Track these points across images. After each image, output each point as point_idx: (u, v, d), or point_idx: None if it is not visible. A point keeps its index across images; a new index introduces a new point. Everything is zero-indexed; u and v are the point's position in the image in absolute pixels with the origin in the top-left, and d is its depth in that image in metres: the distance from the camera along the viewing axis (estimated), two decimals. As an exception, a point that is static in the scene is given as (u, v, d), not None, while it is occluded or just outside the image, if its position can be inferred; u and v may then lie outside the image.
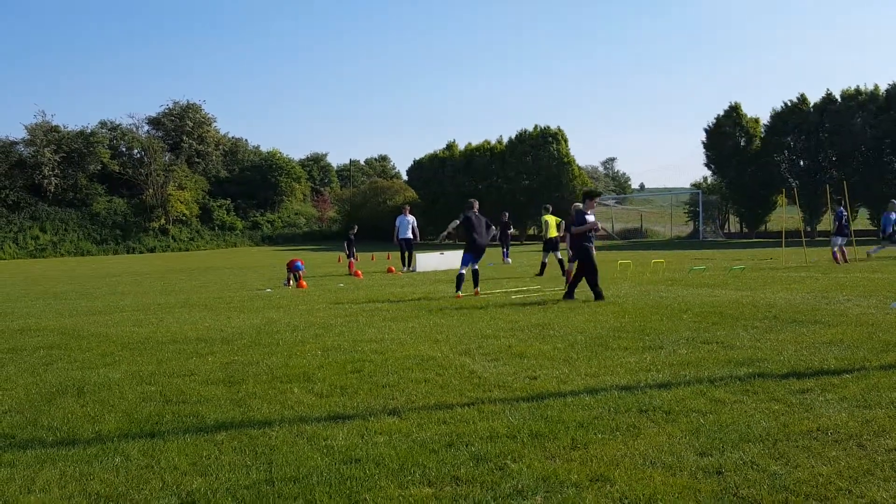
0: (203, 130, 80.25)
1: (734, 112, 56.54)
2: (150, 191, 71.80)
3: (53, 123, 70.86)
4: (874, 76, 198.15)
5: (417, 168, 70.66)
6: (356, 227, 25.66)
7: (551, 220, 19.04)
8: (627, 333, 8.19)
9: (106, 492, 3.86)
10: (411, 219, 23.36)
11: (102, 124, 76.50)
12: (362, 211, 69.46)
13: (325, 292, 15.75)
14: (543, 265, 18.84)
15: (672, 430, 4.50)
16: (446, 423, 4.84)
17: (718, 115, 57.32)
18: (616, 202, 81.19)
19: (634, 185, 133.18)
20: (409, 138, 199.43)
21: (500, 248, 27.15)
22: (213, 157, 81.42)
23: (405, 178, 78.45)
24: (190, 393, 6.05)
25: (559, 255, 18.50)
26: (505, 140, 65.80)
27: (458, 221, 14.28)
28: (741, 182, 55.28)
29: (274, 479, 3.94)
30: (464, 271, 13.71)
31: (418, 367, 6.76)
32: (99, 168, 71.18)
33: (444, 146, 69.42)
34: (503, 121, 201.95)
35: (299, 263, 18.92)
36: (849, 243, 21.11)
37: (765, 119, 55.70)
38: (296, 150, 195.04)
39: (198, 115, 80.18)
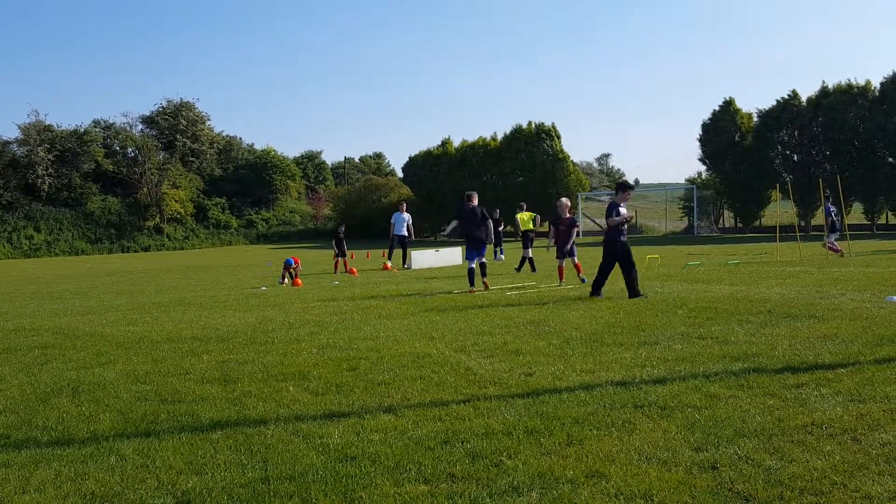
0: (197, 129, 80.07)
1: (728, 107, 56.62)
2: (145, 189, 71.66)
3: (47, 123, 70.68)
4: (866, 71, 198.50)
5: (412, 165, 70.59)
6: (344, 225, 25.69)
7: (524, 216, 19.94)
8: (622, 329, 8.19)
9: (101, 491, 3.86)
10: (407, 216, 23.37)
11: (96, 123, 76.32)
12: (357, 208, 69.46)
13: (320, 290, 15.73)
14: (524, 260, 19.00)
15: (667, 425, 4.51)
16: (442, 421, 4.84)
17: (714, 110, 57.39)
18: (610, 198, 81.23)
19: (629, 180, 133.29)
20: (404, 135, 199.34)
21: (493, 246, 27.19)
22: (208, 156, 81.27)
23: (400, 175, 78.40)
24: (185, 392, 6.04)
25: (529, 252, 18.97)
26: (500, 137, 65.77)
27: (455, 222, 14.43)
28: (735, 177, 55.38)
29: (269, 477, 3.94)
30: (472, 265, 13.83)
31: (414, 364, 6.76)
32: (93, 167, 71.00)
33: (439, 143, 69.36)
34: (498, 117, 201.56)
35: (291, 259, 18.94)
36: (841, 237, 21.17)
37: (758, 114, 55.79)
38: (290, 148, 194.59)
39: (191, 114, 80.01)
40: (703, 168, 63.03)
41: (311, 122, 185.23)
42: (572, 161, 65.14)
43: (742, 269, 16.62)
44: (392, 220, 23.37)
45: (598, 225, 68.02)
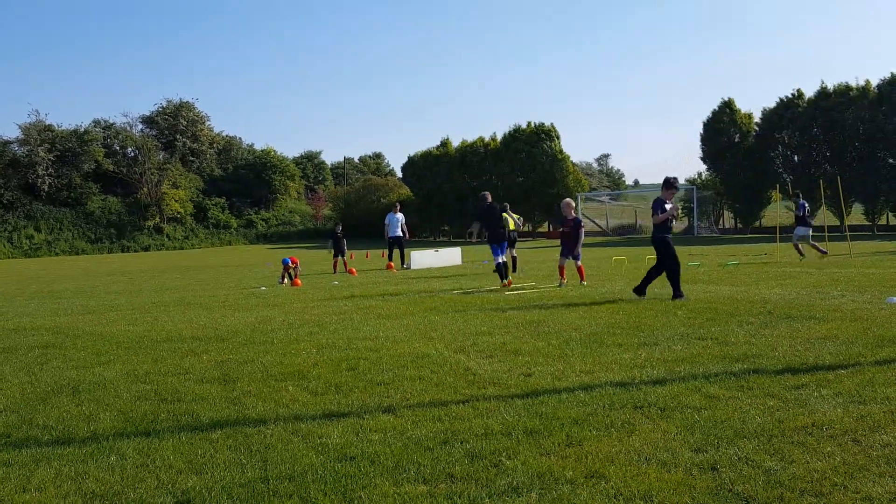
0: (197, 129, 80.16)
1: (728, 108, 56.65)
2: (145, 189, 71.71)
3: (47, 122, 70.80)
4: (866, 71, 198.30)
5: (412, 165, 70.64)
6: (341, 225, 25.66)
7: (507, 218, 19.96)
8: (622, 330, 8.19)
9: (101, 491, 3.85)
10: (400, 216, 23.34)
11: (96, 123, 76.42)
12: (356, 209, 69.46)
13: (319, 290, 15.73)
14: (513, 260, 19.01)
15: (667, 426, 4.50)
16: (441, 421, 4.84)
17: (714, 110, 57.43)
18: (610, 198, 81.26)
19: (629, 181, 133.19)
20: (403, 136, 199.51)
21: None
22: (208, 156, 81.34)
23: (399, 175, 78.44)
24: (185, 391, 6.04)
25: (514, 252, 18.94)
26: (499, 137, 65.79)
27: (477, 223, 15.27)
28: (735, 178, 55.42)
29: (269, 477, 3.94)
30: (500, 260, 14.55)
31: (413, 364, 6.75)
32: (93, 167, 71.06)
33: (439, 143, 69.43)
34: (497, 118, 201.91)
35: (287, 259, 18.95)
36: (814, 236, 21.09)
37: (759, 115, 55.83)
38: (290, 148, 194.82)
39: (191, 114, 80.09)
40: (703, 168, 63.13)
41: (310, 123, 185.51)
42: (572, 161, 65.15)
43: (742, 269, 16.62)
44: (386, 222, 23.34)
45: (597, 225, 68.07)
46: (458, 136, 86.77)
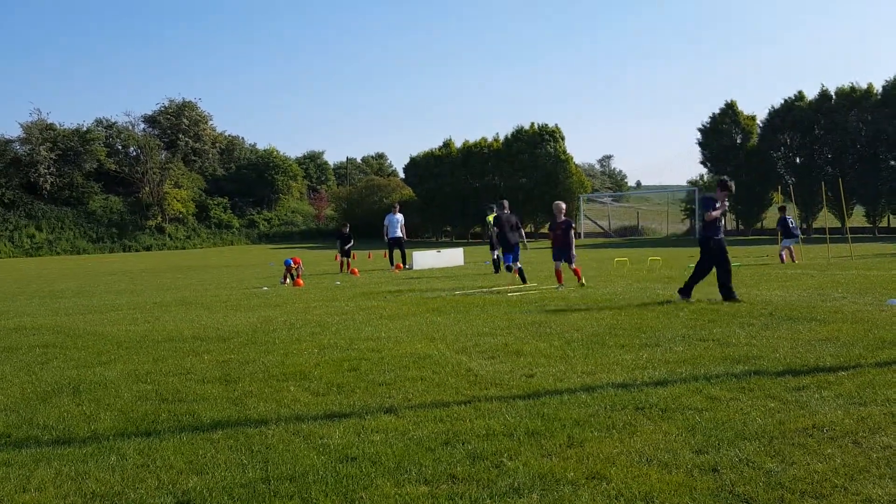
0: (199, 128, 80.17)
1: (730, 110, 56.61)
2: (147, 189, 71.70)
3: (49, 121, 70.76)
4: (869, 74, 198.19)
5: (414, 166, 70.60)
6: (349, 225, 25.60)
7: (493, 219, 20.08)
8: (624, 331, 8.19)
9: (102, 491, 3.85)
10: (400, 217, 23.30)
11: (98, 122, 76.42)
12: (359, 209, 69.47)
13: (321, 290, 15.74)
14: (495, 262, 19.07)
15: (668, 427, 4.50)
16: (443, 422, 4.84)
17: (714, 113, 57.39)
18: (612, 200, 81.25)
19: (631, 182, 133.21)
20: (405, 136, 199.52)
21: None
22: (210, 155, 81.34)
23: (402, 175, 78.42)
24: (186, 391, 6.04)
25: (496, 253, 19.20)
26: (502, 138, 65.76)
27: (497, 229, 15.82)
28: (737, 180, 55.32)
29: (270, 477, 3.94)
30: (516, 265, 15.25)
31: (415, 365, 6.75)
32: (95, 166, 71.06)
33: (441, 144, 69.37)
34: (500, 119, 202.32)
35: (289, 260, 18.95)
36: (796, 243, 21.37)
37: (761, 116, 55.81)
38: (292, 148, 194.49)
39: (194, 113, 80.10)
40: (704, 170, 63.08)
41: (313, 123, 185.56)
42: (574, 163, 65.13)
43: (743, 271, 16.61)
44: (385, 223, 23.31)
45: (598, 226, 68.05)
46: (461, 137, 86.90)
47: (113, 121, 77.26)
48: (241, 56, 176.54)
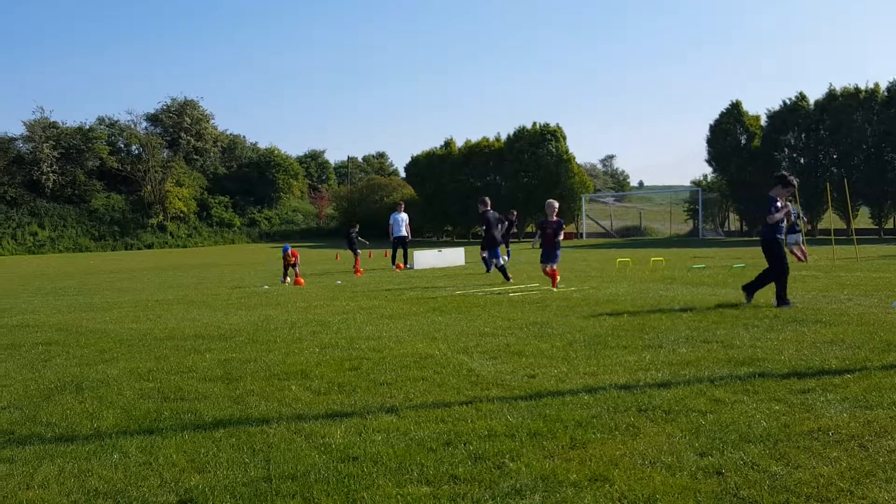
0: (201, 127, 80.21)
1: (735, 109, 56.52)
2: (149, 187, 71.77)
3: (52, 120, 70.83)
4: (874, 74, 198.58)
5: (415, 165, 70.53)
6: (357, 224, 25.23)
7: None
8: (626, 332, 8.17)
9: (104, 488, 3.85)
10: (404, 216, 23.25)
11: (101, 121, 76.50)
12: (360, 208, 69.44)
13: (322, 289, 15.73)
14: (485, 261, 19.04)
15: (671, 429, 4.48)
16: (444, 422, 4.83)
17: (721, 112, 57.31)
18: (615, 200, 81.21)
19: (633, 182, 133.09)
20: (407, 135, 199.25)
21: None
22: (211, 154, 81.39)
23: (403, 175, 78.42)
24: (188, 390, 6.03)
25: (485, 253, 19.20)
26: (503, 137, 65.71)
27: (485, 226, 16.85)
28: (741, 179, 55.24)
29: (272, 476, 3.93)
30: (498, 262, 16.19)
31: (416, 365, 6.74)
32: (97, 164, 71.16)
33: (443, 143, 69.32)
34: (502, 118, 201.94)
35: (287, 247, 18.95)
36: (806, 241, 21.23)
37: (765, 117, 55.72)
38: (294, 147, 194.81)
39: (195, 112, 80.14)
40: (709, 170, 63.00)
41: (314, 122, 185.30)
42: (576, 162, 65.06)
43: (748, 272, 16.57)
44: (390, 222, 23.25)
45: (601, 227, 68.01)
46: (463, 136, 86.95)
47: (115, 119, 77.37)
48: (243, 55, 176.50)
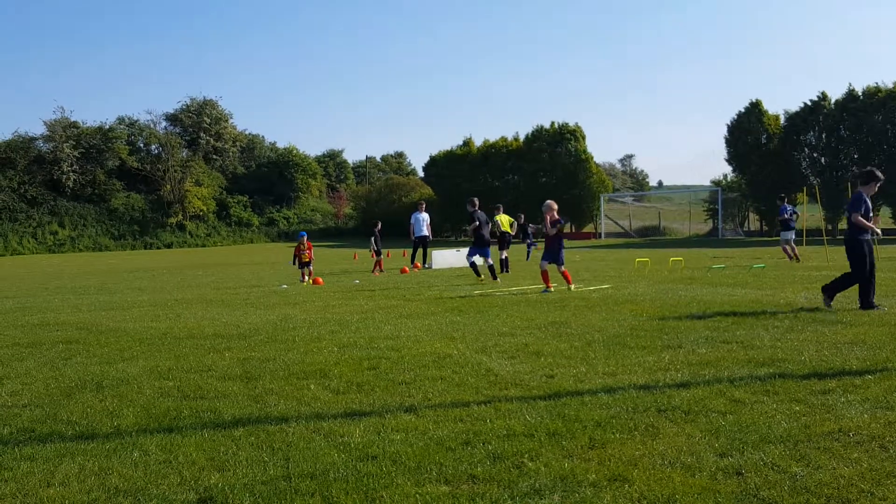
0: (220, 127, 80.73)
1: (755, 109, 56.11)
2: (168, 187, 72.28)
3: (72, 119, 71.49)
4: (893, 74, 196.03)
5: (433, 165, 70.65)
6: (379, 223, 24.97)
7: (503, 219, 20.24)
8: (645, 332, 8.13)
9: (125, 486, 3.88)
10: (425, 216, 23.25)
11: (120, 120, 77.20)
12: (378, 208, 69.62)
13: (340, 289, 15.77)
14: (503, 261, 19.08)
15: (691, 430, 4.46)
16: (463, 421, 4.82)
17: (740, 111, 56.90)
18: (634, 199, 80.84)
19: (652, 182, 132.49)
20: (425, 135, 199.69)
21: (524, 248, 27.22)
22: (230, 154, 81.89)
23: (421, 174, 78.50)
24: (207, 388, 6.07)
25: (504, 253, 19.50)
26: (522, 137, 65.62)
27: (477, 224, 16.46)
28: (761, 179, 54.83)
29: (291, 475, 3.94)
30: (486, 262, 16.29)
31: (434, 364, 6.74)
32: (117, 164, 71.82)
33: (461, 143, 69.37)
34: (520, 118, 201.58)
35: (304, 233, 19.04)
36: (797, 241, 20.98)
37: (783, 116, 55.28)
38: (312, 147, 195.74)
39: (214, 112, 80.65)
40: (728, 170, 62.61)
41: (333, 121, 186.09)
42: (595, 162, 64.86)
43: (768, 273, 16.46)
44: (412, 221, 23.21)
45: (619, 226, 67.74)
46: (481, 136, 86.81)
47: (135, 119, 78.02)
48: (262, 55, 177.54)
